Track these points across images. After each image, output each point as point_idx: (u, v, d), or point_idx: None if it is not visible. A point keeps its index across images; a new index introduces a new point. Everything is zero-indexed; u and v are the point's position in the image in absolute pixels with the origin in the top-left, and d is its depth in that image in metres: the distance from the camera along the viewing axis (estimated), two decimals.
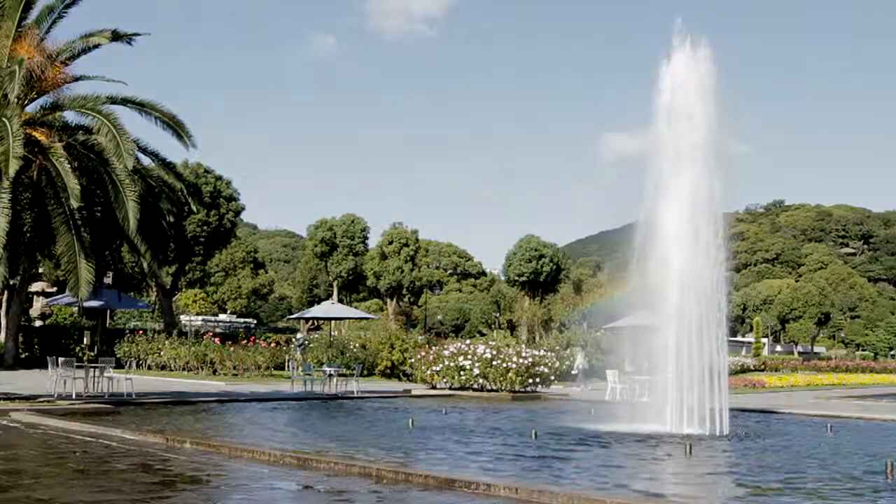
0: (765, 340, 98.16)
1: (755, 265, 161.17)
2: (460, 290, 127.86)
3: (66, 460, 11.68)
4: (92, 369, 22.40)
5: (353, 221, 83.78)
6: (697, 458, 11.73)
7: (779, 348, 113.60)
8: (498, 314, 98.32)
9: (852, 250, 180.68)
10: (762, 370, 57.37)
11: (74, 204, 17.32)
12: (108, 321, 48.30)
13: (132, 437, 13.84)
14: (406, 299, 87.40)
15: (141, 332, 39.68)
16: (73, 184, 17.18)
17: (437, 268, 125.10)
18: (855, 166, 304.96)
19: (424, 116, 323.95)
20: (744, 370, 52.41)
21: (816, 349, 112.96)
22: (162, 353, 35.16)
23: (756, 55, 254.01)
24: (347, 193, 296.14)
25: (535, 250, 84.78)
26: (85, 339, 38.35)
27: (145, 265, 20.94)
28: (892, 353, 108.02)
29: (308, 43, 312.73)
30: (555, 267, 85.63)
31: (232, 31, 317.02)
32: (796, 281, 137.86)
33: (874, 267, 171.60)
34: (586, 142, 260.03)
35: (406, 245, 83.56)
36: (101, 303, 33.17)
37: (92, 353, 34.03)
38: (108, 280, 32.54)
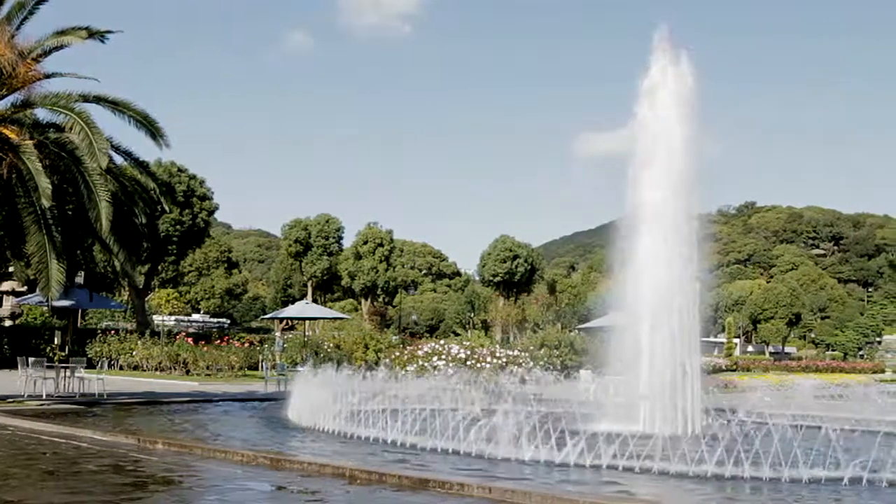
0: (737, 341, 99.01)
1: (727, 266, 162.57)
2: (435, 291, 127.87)
3: (36, 461, 11.57)
4: (63, 369, 22.23)
5: (327, 221, 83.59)
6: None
7: (750, 348, 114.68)
8: (472, 314, 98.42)
9: (823, 251, 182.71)
10: (734, 370, 57.88)
11: (45, 203, 17.15)
12: (79, 321, 47.83)
13: (103, 437, 13.74)
14: (381, 299, 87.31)
15: (113, 332, 39.37)
16: (44, 182, 17.01)
17: (412, 268, 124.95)
18: (825, 168, 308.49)
19: (399, 115, 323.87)
20: (716, 370, 52.84)
21: (787, 349, 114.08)
22: (134, 353, 34.91)
23: (726, 56, 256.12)
24: (322, 193, 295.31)
25: (510, 251, 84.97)
26: (56, 339, 37.98)
27: (118, 265, 20.77)
28: (860, 353, 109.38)
29: (282, 41, 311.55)
30: (529, 267, 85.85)
31: (205, 28, 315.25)
32: (768, 282, 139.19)
33: (844, 268, 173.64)
34: (562, 142, 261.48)
35: (381, 245, 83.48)
36: (72, 302, 32.79)
37: (63, 353, 33.67)
38: (79, 279, 32.18)
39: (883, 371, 62.92)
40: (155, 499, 9.27)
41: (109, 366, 29.62)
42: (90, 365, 26.65)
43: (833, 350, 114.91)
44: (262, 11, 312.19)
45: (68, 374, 22.27)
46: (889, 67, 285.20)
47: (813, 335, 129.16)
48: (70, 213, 19.34)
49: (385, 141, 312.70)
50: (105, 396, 21.13)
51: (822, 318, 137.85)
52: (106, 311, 65.80)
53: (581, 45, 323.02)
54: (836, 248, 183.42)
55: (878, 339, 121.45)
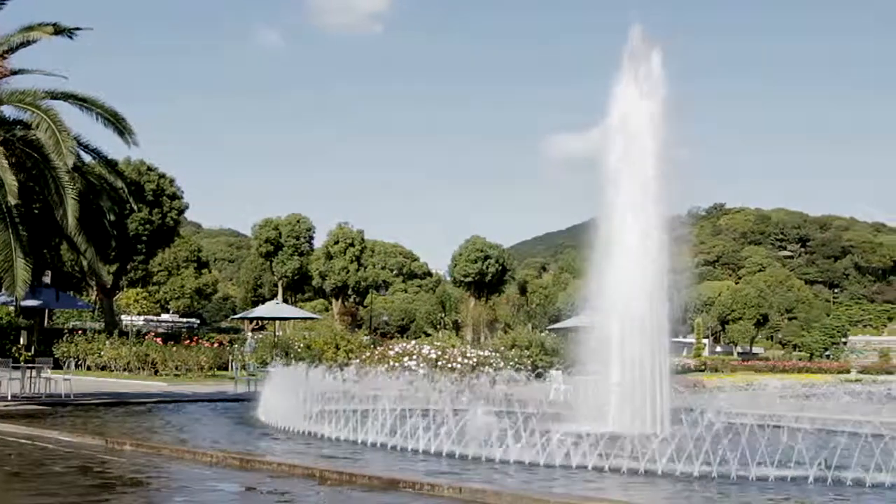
0: (705, 341, 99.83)
1: (696, 267, 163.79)
2: (406, 291, 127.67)
3: (2, 463, 11.43)
4: (29, 370, 21.97)
5: (298, 221, 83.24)
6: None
7: (719, 349, 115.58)
8: (443, 315, 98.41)
9: (790, 253, 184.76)
10: (703, 370, 58.38)
11: (12, 201, 16.95)
12: (46, 321, 47.26)
13: (70, 438, 13.59)
14: (351, 299, 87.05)
15: (80, 331, 38.93)
16: (10, 180, 16.81)
17: (383, 268, 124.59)
18: (793, 171, 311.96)
19: (371, 115, 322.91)
20: (685, 370, 53.26)
21: (755, 350, 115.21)
22: (102, 353, 34.55)
23: (694, 56, 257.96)
24: (293, 193, 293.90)
25: (481, 251, 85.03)
26: (22, 339, 37.51)
27: (85, 263, 20.61)
28: (826, 353, 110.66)
29: (252, 39, 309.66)
30: (500, 268, 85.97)
31: (175, 27, 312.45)
32: (736, 283, 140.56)
33: (810, 270, 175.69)
34: (533, 142, 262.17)
35: (352, 245, 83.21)
36: (39, 302, 32.45)
37: (29, 354, 33.31)
38: (46, 279, 31.85)
39: (848, 371, 63.76)
40: (122, 500, 9.19)
41: (77, 366, 29.29)
42: (57, 365, 26.33)
43: (800, 350, 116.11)
44: (232, 9, 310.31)
45: (34, 374, 22.01)
46: (858, 69, 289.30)
47: (780, 336, 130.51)
48: (37, 211, 19.14)
49: (356, 140, 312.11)
50: (72, 397, 20.90)
51: (789, 319, 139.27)
52: (73, 310, 64.95)
53: (552, 45, 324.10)
54: (803, 249, 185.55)
55: (843, 339, 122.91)
